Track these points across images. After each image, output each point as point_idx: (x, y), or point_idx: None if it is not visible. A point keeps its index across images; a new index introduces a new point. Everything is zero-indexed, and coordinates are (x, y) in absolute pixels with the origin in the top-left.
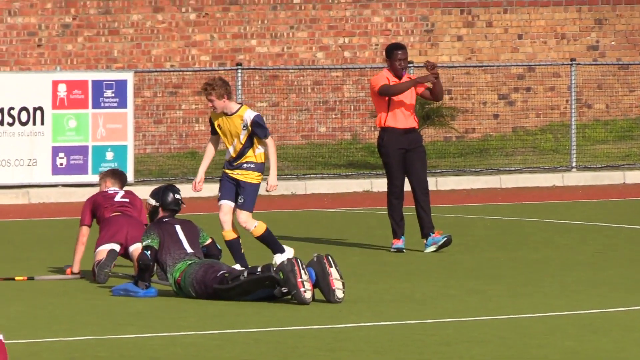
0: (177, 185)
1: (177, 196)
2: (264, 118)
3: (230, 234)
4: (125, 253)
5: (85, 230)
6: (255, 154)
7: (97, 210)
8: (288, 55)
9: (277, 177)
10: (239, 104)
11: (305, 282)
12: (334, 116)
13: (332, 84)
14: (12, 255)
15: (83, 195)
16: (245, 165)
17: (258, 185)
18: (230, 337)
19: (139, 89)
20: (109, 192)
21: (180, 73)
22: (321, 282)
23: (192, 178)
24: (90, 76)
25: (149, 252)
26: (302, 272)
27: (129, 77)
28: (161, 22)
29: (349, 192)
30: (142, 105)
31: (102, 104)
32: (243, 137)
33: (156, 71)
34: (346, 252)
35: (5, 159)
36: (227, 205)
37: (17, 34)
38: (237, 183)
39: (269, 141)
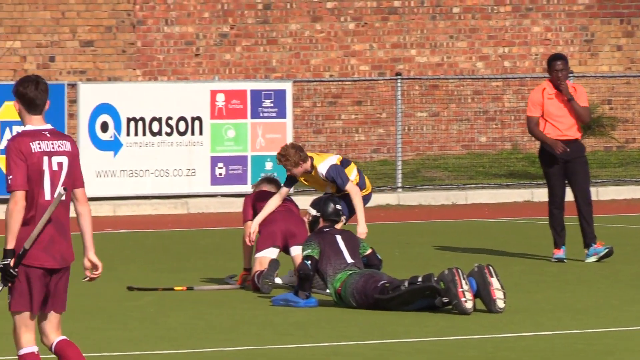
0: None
1: (338, 206)
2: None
3: None
4: (284, 249)
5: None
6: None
7: (257, 204)
8: (448, 65)
9: (365, 224)
10: (310, 157)
11: (466, 292)
12: (494, 126)
13: (492, 93)
14: (171, 265)
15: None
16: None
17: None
18: (392, 347)
19: (297, 98)
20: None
21: (340, 83)
22: (482, 292)
23: None
24: (248, 86)
25: (310, 261)
26: (463, 282)
27: (287, 86)
28: (320, 31)
29: (509, 202)
30: (301, 115)
31: (261, 114)
32: (332, 184)
33: (315, 81)
34: (507, 262)
35: (164, 168)
36: None
37: (175, 43)
38: None
39: (350, 188)
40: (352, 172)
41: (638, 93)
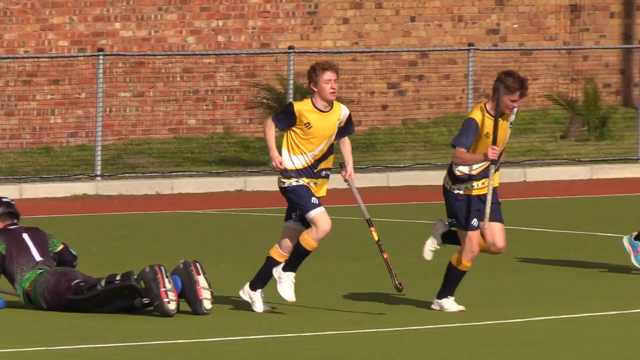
0: (29, 185)
1: (5, 199)
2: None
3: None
4: None
5: None
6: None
7: None
8: (155, 40)
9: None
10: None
11: (169, 292)
12: (205, 107)
13: (203, 71)
14: None
15: None
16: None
17: None
18: (84, 352)
19: None
20: None
21: (36, 60)
22: (187, 292)
23: (46, 177)
24: None
25: None
26: (166, 280)
27: None
28: (15, 3)
29: (219, 192)
30: None
31: None
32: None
33: (8, 57)
34: (216, 258)
35: None
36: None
37: None
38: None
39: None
40: None
41: (365, 71)
